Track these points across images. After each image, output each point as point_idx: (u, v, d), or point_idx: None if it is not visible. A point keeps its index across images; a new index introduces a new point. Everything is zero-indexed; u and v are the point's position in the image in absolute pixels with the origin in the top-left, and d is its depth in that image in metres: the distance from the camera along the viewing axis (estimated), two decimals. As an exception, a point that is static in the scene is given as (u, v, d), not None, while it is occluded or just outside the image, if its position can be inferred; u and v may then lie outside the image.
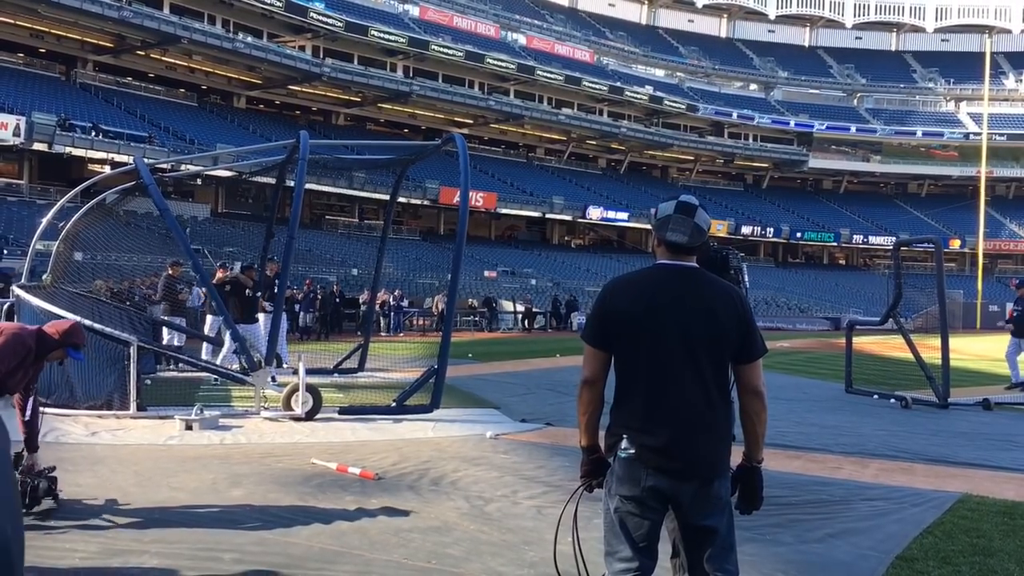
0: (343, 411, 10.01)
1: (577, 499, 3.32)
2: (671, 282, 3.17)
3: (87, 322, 9.65)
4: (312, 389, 9.80)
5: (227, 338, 11.77)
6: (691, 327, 3.09)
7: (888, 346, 20.90)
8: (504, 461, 7.83)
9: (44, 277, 11.97)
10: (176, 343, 14.27)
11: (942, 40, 78.95)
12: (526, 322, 37.86)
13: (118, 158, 36.10)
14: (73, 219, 12.33)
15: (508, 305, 38.99)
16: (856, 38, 79.33)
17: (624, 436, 3.09)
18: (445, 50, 54.24)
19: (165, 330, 14.28)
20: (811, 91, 75.03)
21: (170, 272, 14.51)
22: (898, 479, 7.54)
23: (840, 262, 72.33)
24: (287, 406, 9.65)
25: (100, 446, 8.02)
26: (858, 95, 75.67)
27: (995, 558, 5.05)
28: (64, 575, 4.38)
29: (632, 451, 3.06)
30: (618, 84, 62.79)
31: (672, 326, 3.09)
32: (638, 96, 63.08)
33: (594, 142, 65.41)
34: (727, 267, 4.63)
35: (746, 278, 4.98)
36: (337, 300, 29.13)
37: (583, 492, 3.30)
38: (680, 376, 3.08)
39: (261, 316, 13.15)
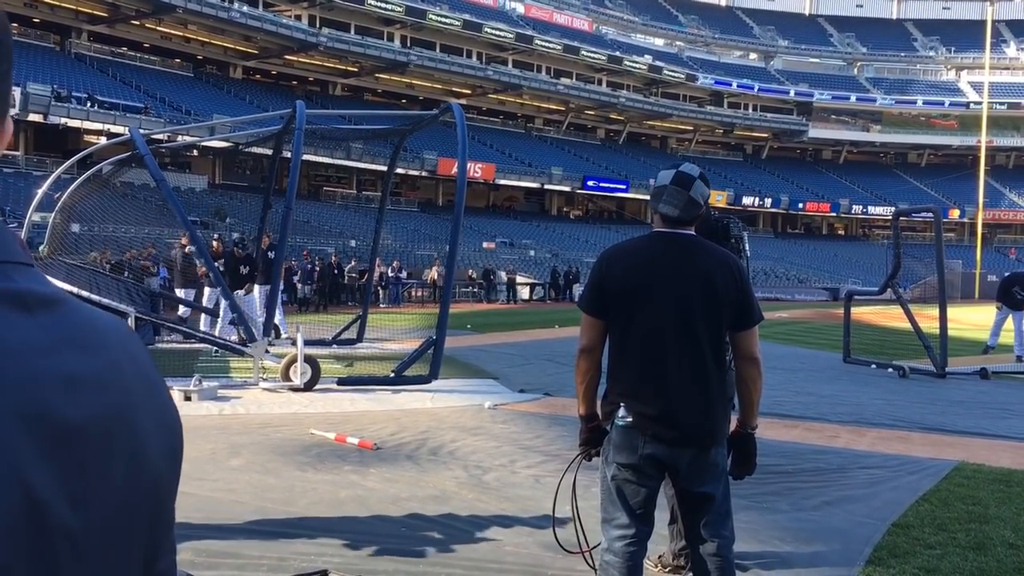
0: (341, 382, 10.03)
1: (576, 468, 3.33)
2: (668, 250, 3.15)
3: (84, 293, 9.66)
4: (310, 359, 9.81)
5: (223, 309, 11.77)
6: (688, 295, 3.08)
7: (887, 316, 20.93)
8: (502, 431, 7.85)
9: (40, 248, 11.94)
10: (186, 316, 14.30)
11: (943, 8, 78.24)
12: (516, 294, 37.60)
13: (114, 129, 35.87)
14: (69, 190, 12.28)
15: (513, 278, 38.78)
16: (857, 6, 78.62)
17: (621, 404, 3.09)
18: (442, 19, 53.81)
19: (182, 293, 14.30)
20: (811, 60, 74.57)
21: (184, 243, 14.38)
22: (895, 447, 7.58)
23: (839, 232, 72.27)
24: (285, 376, 9.67)
25: (99, 417, 8.04)
26: (858, 64, 75.21)
27: (990, 525, 5.08)
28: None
29: (629, 419, 3.06)
30: (617, 53, 62.35)
31: (669, 294, 3.08)
32: (637, 66, 62.67)
33: (593, 112, 65.09)
34: (728, 236, 4.61)
35: (747, 247, 4.95)
36: (335, 272, 29.10)
37: (582, 461, 3.31)
38: (677, 344, 3.07)
39: (256, 287, 13.14)
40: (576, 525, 3.38)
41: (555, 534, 3.60)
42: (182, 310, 14.60)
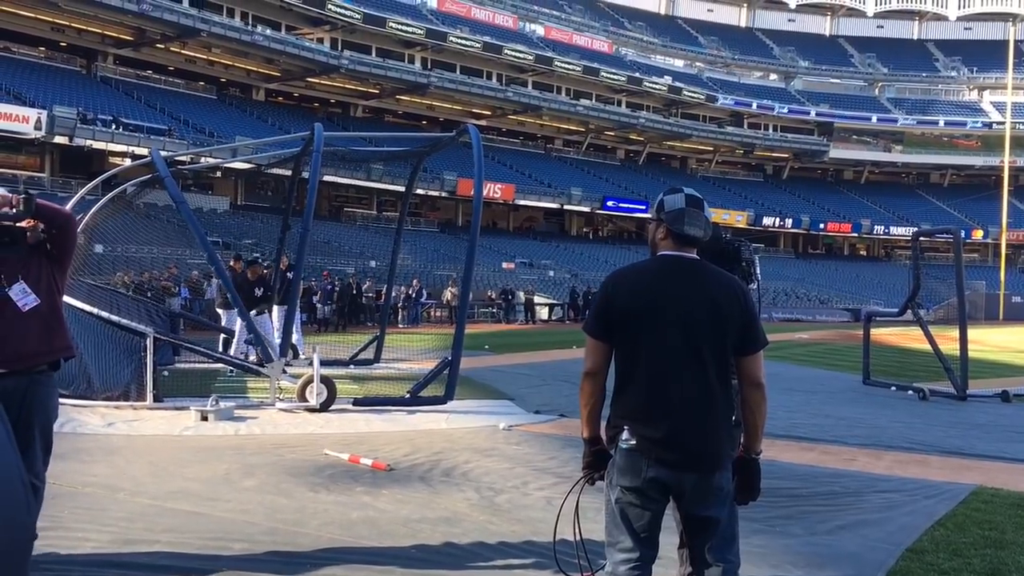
0: (357, 402, 10.06)
1: (579, 491, 3.33)
2: (674, 273, 3.16)
3: (104, 314, 9.76)
4: (327, 380, 9.85)
5: (238, 329, 11.83)
6: (693, 318, 3.08)
7: (908, 337, 20.76)
8: (516, 452, 7.84)
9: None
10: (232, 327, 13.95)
11: (965, 28, 78.01)
12: (535, 314, 37.51)
13: (138, 151, 36.30)
14: (91, 212, 12.42)
15: (531, 298, 38.68)
16: (878, 27, 78.53)
17: (625, 427, 3.09)
18: (463, 41, 54.17)
19: (224, 315, 14.25)
20: (832, 80, 74.39)
21: (232, 265, 14.29)
22: (912, 471, 7.50)
23: (861, 253, 71.78)
24: (302, 397, 9.71)
25: (116, 436, 8.11)
26: (879, 84, 74.95)
27: (1007, 550, 5.02)
28: (75, 564, 4.42)
29: (633, 442, 3.06)
30: (636, 75, 62.49)
31: (674, 317, 3.08)
32: (657, 86, 62.75)
33: (612, 133, 65.18)
34: (739, 259, 4.60)
35: (758, 270, 4.94)
36: (354, 292, 29.24)
37: (585, 484, 3.31)
38: (681, 367, 3.07)
39: (275, 308, 13.20)
40: (577, 548, 3.37)
41: (555, 558, 3.60)
42: (227, 320, 14.30)
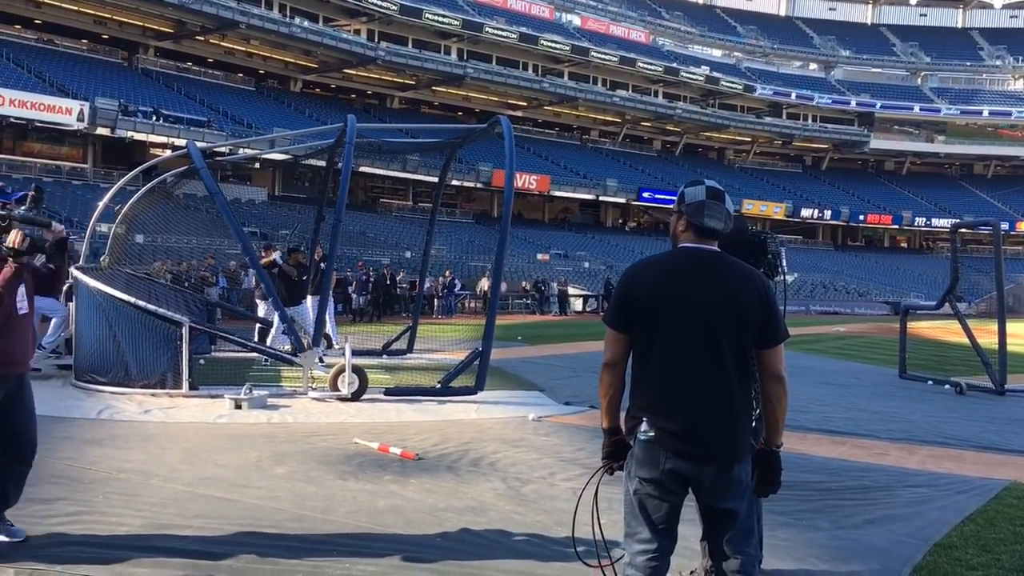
0: (389, 392, 10.14)
1: (597, 481, 3.35)
2: (694, 266, 3.17)
3: (141, 303, 9.93)
4: (358, 370, 9.93)
5: (275, 319, 11.96)
6: (713, 310, 3.08)
7: (947, 331, 20.44)
8: (544, 443, 7.87)
9: (101, 259, 12.30)
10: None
11: (1010, 16, 76.36)
12: (569, 305, 37.48)
13: (178, 142, 36.75)
14: (129, 202, 12.63)
15: (565, 290, 38.69)
16: (920, 15, 77.15)
17: (644, 419, 3.10)
18: (499, 32, 54.12)
19: (262, 306, 14.40)
20: (873, 70, 73.23)
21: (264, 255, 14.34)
22: (945, 466, 7.42)
23: (902, 245, 70.74)
24: (334, 386, 9.81)
25: (152, 423, 8.26)
26: (922, 74, 73.69)
27: (1037, 547, 4.95)
28: (108, 547, 4.52)
29: (652, 434, 3.08)
30: (674, 65, 62.01)
31: (694, 309, 3.09)
32: (694, 77, 62.24)
33: (649, 124, 64.78)
34: (765, 251, 4.58)
35: (784, 263, 4.91)
36: (388, 283, 29.41)
37: (604, 474, 3.33)
38: (701, 359, 3.08)
39: (309, 298, 13.33)
40: (596, 539, 3.39)
41: (575, 548, 3.63)
42: (267, 310, 14.36)
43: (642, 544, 3.10)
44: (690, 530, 3.27)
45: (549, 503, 5.75)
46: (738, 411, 3.12)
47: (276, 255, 13.36)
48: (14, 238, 4.27)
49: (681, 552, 3.80)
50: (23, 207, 4.42)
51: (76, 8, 42.76)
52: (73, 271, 10.92)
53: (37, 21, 42.90)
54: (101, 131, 37.56)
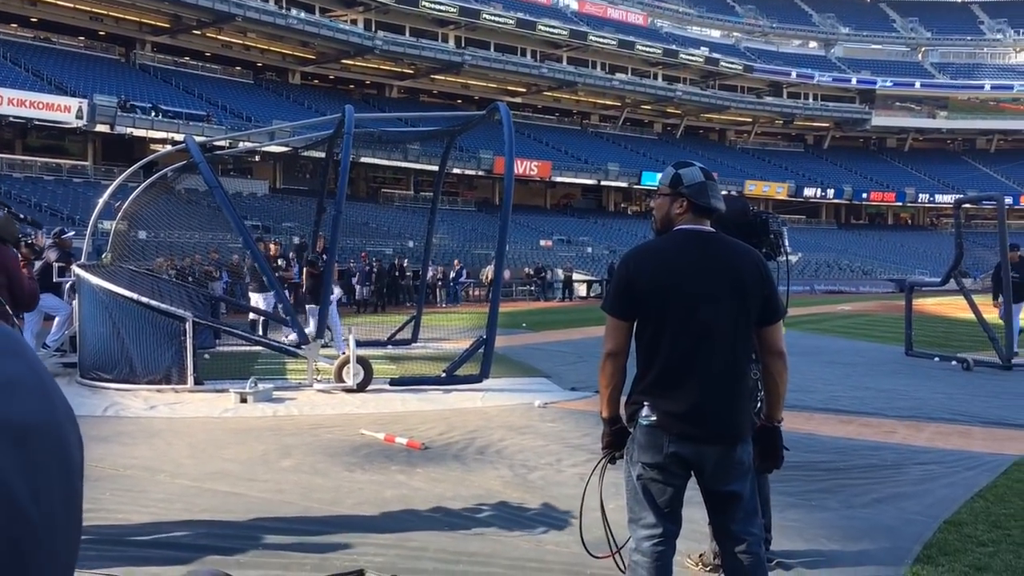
0: (394, 382, 10.13)
1: (601, 470, 3.33)
2: (695, 247, 3.15)
3: (144, 299, 9.92)
4: (363, 361, 9.92)
5: (336, 320, 12.02)
6: (716, 291, 3.07)
7: (953, 307, 20.40)
8: (551, 429, 7.86)
9: (103, 256, 12.28)
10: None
11: (1011, -12, 75.85)
12: (573, 291, 37.41)
13: (178, 137, 36.60)
14: (130, 198, 12.60)
15: (569, 275, 38.60)
16: (920, -10, 76.67)
17: (645, 404, 3.08)
18: (496, 18, 53.91)
19: (254, 297, 14.45)
20: (873, 47, 72.80)
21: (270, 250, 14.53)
22: (954, 443, 7.39)
23: (906, 222, 70.53)
24: (339, 378, 9.80)
25: (158, 419, 8.26)
26: (923, 49, 73.26)
27: (1048, 522, 4.93)
28: (114, 544, 4.52)
29: (654, 418, 3.05)
30: (672, 47, 61.75)
31: (698, 291, 3.07)
32: (693, 58, 61.97)
33: (649, 107, 64.56)
34: (767, 231, 4.56)
35: (787, 242, 4.88)
36: (395, 273, 29.40)
37: (606, 464, 3.32)
38: (706, 341, 3.06)
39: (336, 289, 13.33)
40: (605, 527, 3.38)
41: (582, 538, 3.61)
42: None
43: (647, 529, 3.09)
44: (699, 513, 3.25)
45: (556, 489, 5.74)
46: (742, 391, 3.13)
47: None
48: None
49: (690, 535, 3.79)
50: None
51: (72, 5, 42.67)
52: (75, 268, 10.93)
53: (33, 19, 42.82)
54: (100, 128, 37.51)
